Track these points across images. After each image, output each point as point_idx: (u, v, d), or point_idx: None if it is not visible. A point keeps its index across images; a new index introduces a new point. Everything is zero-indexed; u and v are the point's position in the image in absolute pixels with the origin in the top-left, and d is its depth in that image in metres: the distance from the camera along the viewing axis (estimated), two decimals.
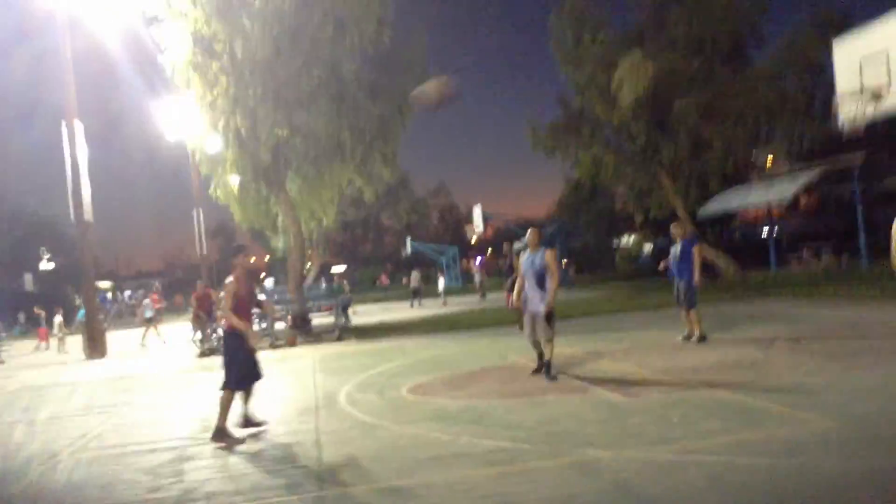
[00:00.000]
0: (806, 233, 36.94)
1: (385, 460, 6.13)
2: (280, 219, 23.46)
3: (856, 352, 9.35)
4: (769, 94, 24.97)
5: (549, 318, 9.03)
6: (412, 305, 31.53)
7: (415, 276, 34.30)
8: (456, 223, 71.17)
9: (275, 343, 17.68)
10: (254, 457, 6.74)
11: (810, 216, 41.70)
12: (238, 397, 7.60)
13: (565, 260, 38.44)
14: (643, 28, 27.79)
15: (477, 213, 42.15)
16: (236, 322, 7.39)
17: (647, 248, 44.27)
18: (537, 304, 9.09)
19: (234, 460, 6.68)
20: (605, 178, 30.57)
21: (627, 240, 48.67)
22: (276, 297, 23.05)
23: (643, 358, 10.37)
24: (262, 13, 17.74)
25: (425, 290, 35.45)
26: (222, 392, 7.48)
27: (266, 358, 15.43)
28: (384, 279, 58.50)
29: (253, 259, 8.50)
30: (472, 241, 48.01)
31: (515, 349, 11.85)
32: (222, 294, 7.91)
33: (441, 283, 35.37)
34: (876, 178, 26.92)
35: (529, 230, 9.42)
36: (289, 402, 9.67)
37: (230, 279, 7.65)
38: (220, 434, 7.34)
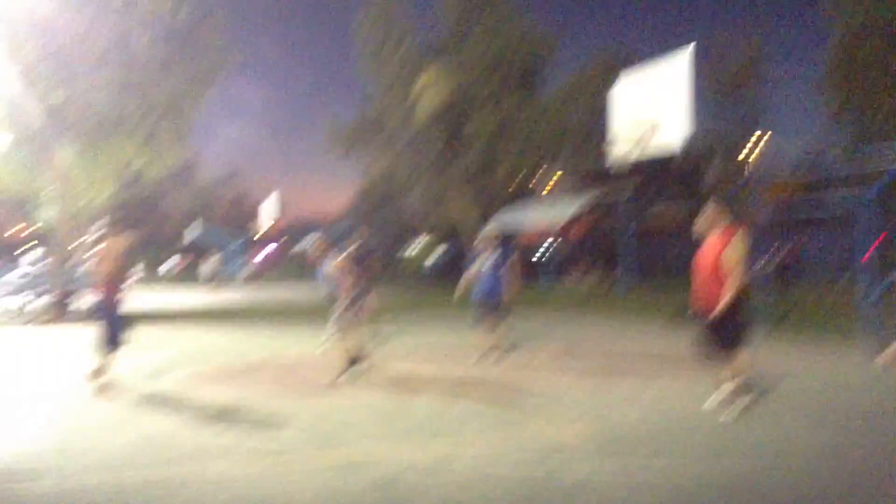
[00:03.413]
0: (577, 255, 39.57)
1: (139, 453, 5.84)
2: (49, 189, 21.62)
3: (609, 368, 10.16)
4: (556, 122, 26.65)
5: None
6: (211, 289, 31.69)
7: (212, 260, 34.95)
8: (246, 212, 69.13)
9: (30, 322, 16.29)
10: None
11: (582, 240, 44.70)
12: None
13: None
14: (445, 44, 28.63)
15: (270, 203, 41.25)
16: None
17: (433, 257, 45.44)
18: None
19: None
20: (398, 185, 31.13)
21: (415, 247, 49.67)
22: (39, 272, 21.25)
23: (421, 362, 10.64)
24: None
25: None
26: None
27: (18, 338, 14.21)
28: (180, 262, 55.22)
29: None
30: (261, 232, 46.94)
31: (299, 342, 11.73)
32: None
33: (212, 269, 34.76)
34: (640, 210, 29.47)
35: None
36: (37, 386, 8.93)
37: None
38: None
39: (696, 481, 5.12)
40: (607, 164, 12.96)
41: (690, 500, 4.83)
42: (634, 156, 12.24)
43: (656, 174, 31.94)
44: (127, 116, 18.74)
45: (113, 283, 8.31)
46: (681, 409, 7.26)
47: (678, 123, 11.75)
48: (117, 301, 8.36)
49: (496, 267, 10.57)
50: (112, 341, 8.29)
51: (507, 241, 14.59)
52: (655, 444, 5.99)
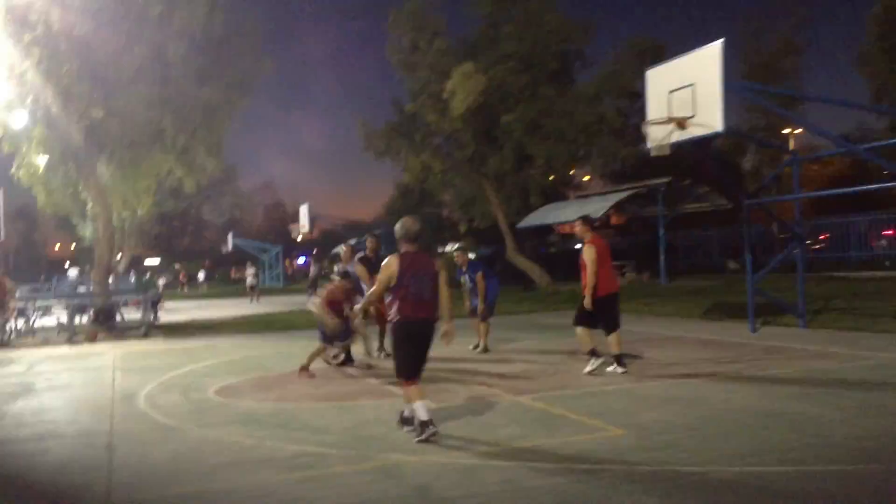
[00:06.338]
0: (614, 249, 39.06)
1: (183, 465, 5.86)
2: (89, 205, 22.00)
3: (647, 364, 10.00)
4: (589, 115, 26.32)
5: None
6: (251, 301, 31.78)
7: (250, 272, 34.98)
8: (281, 221, 69.84)
9: (73, 338, 16.56)
10: (38, 459, 6.24)
11: (619, 234, 44.29)
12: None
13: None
14: (477, 41, 28.48)
15: (303, 212, 41.51)
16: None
17: (470, 256, 45.36)
18: None
19: (14, 462, 6.15)
20: (433, 185, 31.10)
21: (451, 248, 49.67)
22: (79, 288, 21.61)
23: (454, 365, 10.58)
24: None
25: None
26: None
27: (61, 355, 14.43)
28: (234, 272, 55.92)
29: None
30: (298, 240, 47.41)
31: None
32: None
33: (249, 279, 35.05)
34: (677, 201, 29.08)
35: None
36: (82, 401, 9.05)
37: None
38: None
39: None
40: (646, 148, 12.81)
41: None
42: (674, 138, 12.01)
43: (695, 160, 31.47)
44: (164, 130, 18.92)
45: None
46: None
47: (717, 103, 11.52)
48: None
49: (472, 280, 12.49)
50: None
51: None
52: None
